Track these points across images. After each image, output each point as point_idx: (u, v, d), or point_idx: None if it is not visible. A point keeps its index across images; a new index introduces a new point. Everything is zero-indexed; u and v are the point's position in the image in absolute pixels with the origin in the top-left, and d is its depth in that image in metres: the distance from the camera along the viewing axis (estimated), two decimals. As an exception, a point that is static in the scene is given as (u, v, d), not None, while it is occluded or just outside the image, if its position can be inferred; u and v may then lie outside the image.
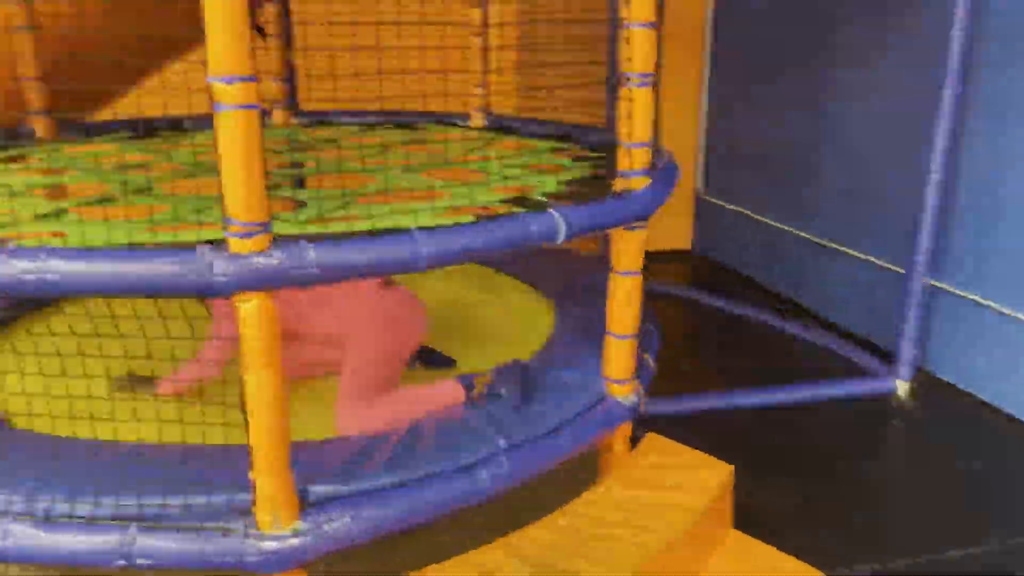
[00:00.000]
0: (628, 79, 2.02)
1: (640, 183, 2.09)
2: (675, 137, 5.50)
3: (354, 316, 2.31)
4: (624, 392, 2.26)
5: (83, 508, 1.70)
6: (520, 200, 2.09)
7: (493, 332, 2.87)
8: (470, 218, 1.85)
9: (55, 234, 1.76)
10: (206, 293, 1.55)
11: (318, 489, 1.77)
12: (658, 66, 2.05)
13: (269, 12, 3.58)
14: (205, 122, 3.49)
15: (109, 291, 1.56)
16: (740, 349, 4.06)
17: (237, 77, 1.47)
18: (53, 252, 1.53)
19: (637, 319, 2.21)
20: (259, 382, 1.61)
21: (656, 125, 2.80)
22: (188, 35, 3.78)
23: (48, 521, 1.70)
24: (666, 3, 5.29)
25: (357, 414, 2.16)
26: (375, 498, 1.78)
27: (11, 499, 1.73)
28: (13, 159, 2.72)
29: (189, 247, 1.55)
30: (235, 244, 1.55)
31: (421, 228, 1.69)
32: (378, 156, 3.02)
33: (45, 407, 1.95)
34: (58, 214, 1.96)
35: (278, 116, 3.70)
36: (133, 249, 1.56)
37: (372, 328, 2.30)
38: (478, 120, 3.64)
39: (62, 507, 1.71)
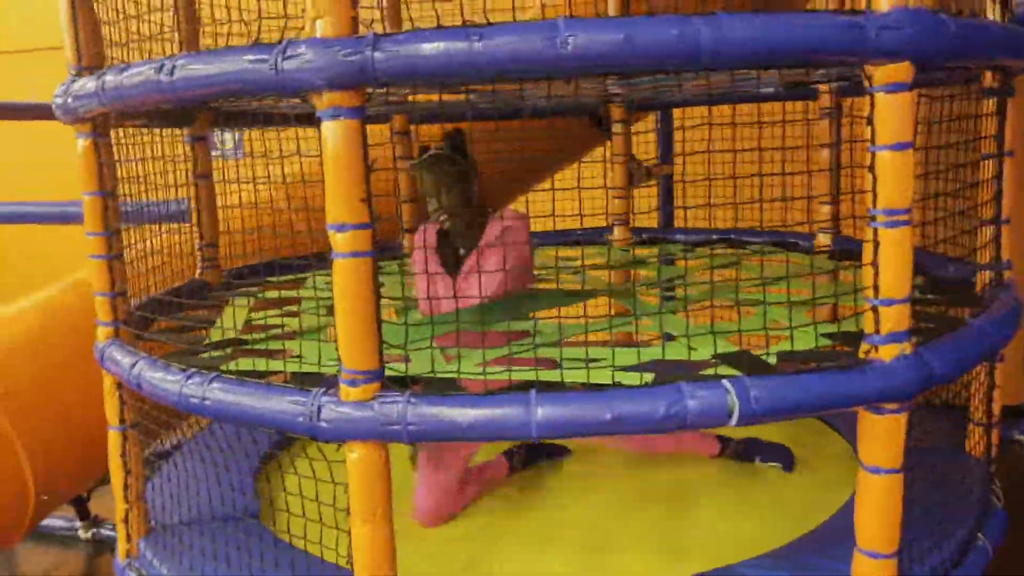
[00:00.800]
0: (873, 217, 1.53)
1: (891, 351, 1.56)
2: None
3: None
4: (876, 627, 1.67)
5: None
6: (742, 359, 1.71)
7: (771, 496, 2.39)
8: (642, 380, 1.57)
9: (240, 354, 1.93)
10: (316, 437, 1.54)
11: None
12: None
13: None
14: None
15: (243, 421, 1.64)
16: None
17: (349, 225, 1.46)
18: (215, 379, 1.67)
19: (895, 533, 1.63)
20: (363, 536, 1.54)
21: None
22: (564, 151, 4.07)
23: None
24: None
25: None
26: None
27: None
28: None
29: (308, 390, 1.56)
30: (344, 391, 1.52)
31: (542, 392, 1.47)
32: (665, 283, 2.78)
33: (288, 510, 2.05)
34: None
35: (618, 232, 3.66)
36: (270, 386, 1.62)
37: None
38: (823, 241, 3.16)
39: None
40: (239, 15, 1.67)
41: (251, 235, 3.16)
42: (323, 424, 1.51)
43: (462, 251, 2.43)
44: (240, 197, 3.20)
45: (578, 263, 3.08)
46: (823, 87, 3.08)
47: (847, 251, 3.03)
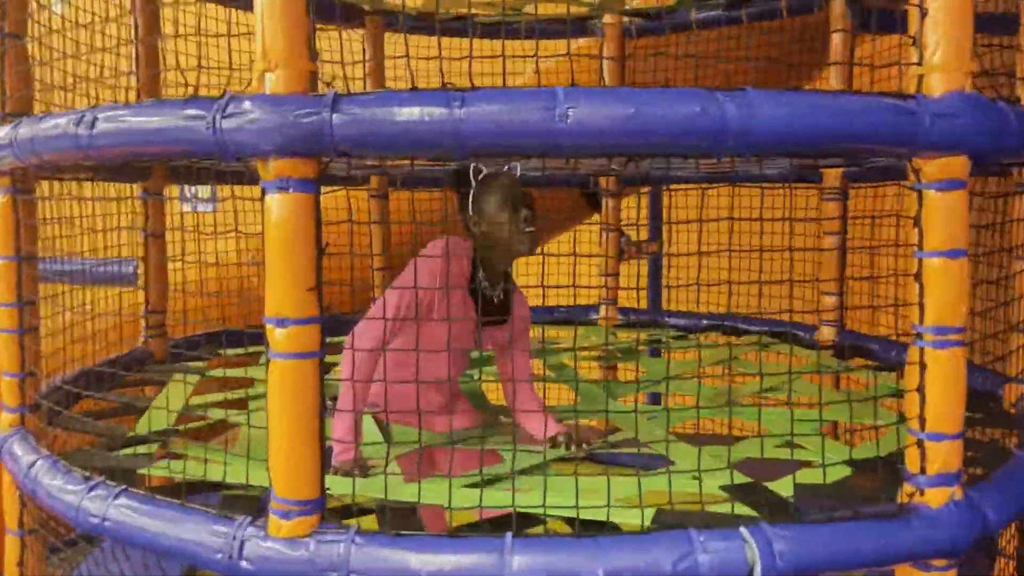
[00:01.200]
0: (919, 335, 1.29)
1: (940, 497, 1.30)
2: None
3: None
4: None
5: None
6: (757, 494, 1.43)
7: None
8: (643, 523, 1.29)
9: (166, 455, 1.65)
10: (237, 578, 1.24)
11: None
12: None
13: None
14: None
15: (150, 550, 1.34)
16: None
17: (291, 320, 1.19)
18: (122, 494, 1.38)
19: None
20: None
21: None
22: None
23: None
24: None
25: None
26: None
27: None
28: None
29: (231, 518, 1.27)
30: (274, 523, 1.23)
31: (519, 538, 1.19)
32: (662, 380, 2.52)
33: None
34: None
35: (604, 312, 3.41)
36: (185, 509, 1.32)
37: None
38: (826, 334, 2.92)
39: None
40: (180, 63, 1.42)
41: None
42: (244, 564, 1.22)
43: (492, 295, 1.89)
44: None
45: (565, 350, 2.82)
46: (829, 171, 2.89)
47: (853, 347, 2.79)
